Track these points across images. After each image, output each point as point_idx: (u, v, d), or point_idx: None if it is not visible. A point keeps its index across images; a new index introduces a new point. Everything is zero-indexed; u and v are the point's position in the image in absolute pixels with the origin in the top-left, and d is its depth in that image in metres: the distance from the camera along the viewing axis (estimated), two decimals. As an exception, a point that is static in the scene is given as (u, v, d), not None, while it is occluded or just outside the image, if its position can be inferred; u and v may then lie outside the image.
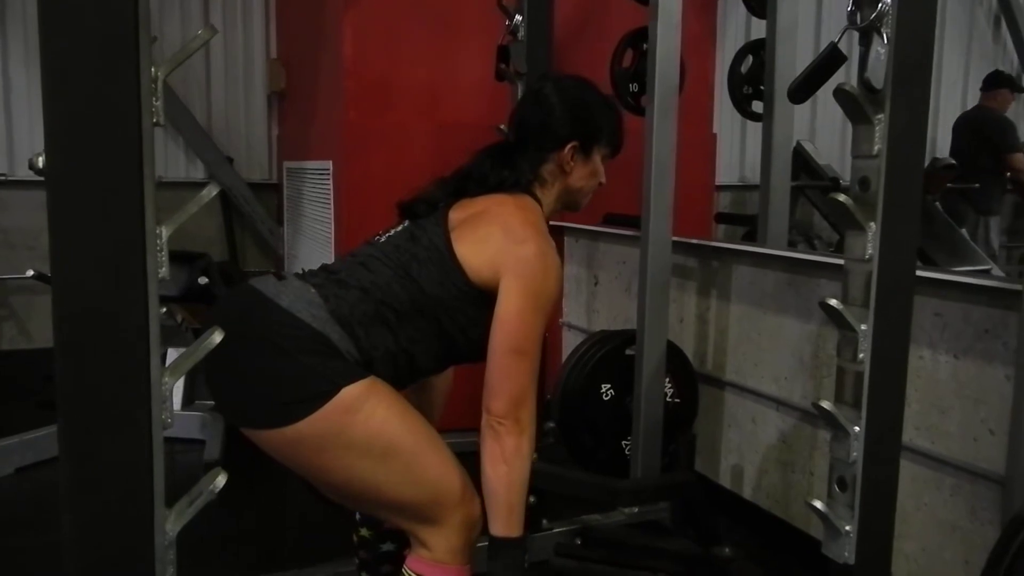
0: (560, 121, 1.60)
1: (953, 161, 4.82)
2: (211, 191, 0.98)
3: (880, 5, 1.08)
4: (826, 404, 1.21)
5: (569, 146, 1.60)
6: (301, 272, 1.49)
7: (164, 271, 0.93)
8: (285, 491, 2.70)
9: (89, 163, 0.87)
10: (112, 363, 0.87)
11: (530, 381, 1.41)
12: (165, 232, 0.93)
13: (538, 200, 1.60)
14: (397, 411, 1.38)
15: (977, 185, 4.86)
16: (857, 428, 1.21)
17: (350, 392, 1.33)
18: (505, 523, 1.38)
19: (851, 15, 1.12)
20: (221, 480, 0.85)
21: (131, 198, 0.88)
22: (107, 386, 0.88)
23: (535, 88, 1.67)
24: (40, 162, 0.88)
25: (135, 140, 0.87)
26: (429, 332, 1.46)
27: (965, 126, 5.05)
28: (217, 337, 0.94)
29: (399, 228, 1.55)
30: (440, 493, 1.40)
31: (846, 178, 4.82)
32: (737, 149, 5.25)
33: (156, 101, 0.88)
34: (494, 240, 1.46)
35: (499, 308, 1.42)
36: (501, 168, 1.59)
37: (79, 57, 0.85)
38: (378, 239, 1.54)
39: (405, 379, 1.48)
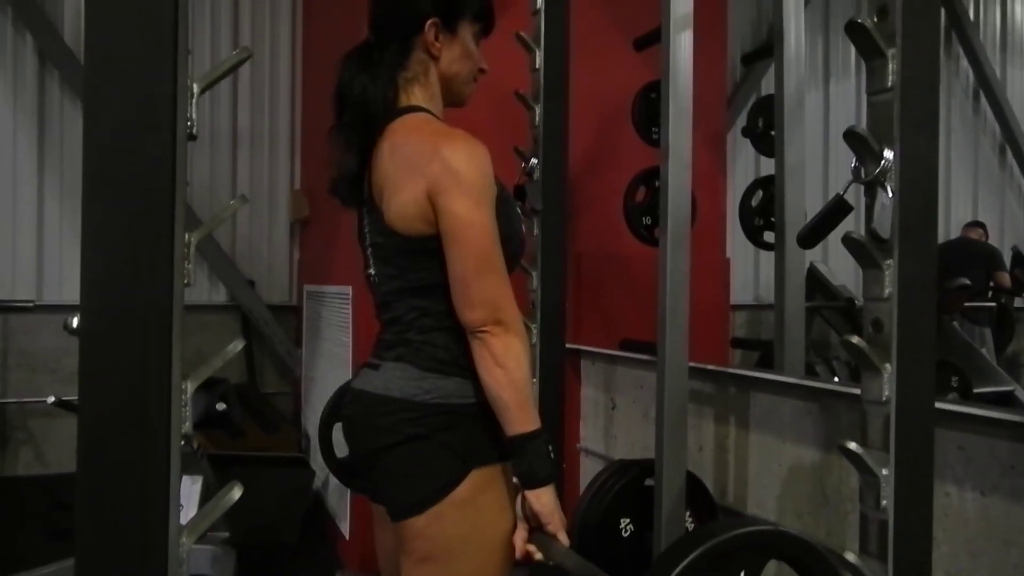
0: None
1: (967, 281, 4.84)
2: (236, 346, 1.01)
3: (883, 162, 1.12)
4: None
5: (428, 23, 1.43)
6: (378, 353, 1.48)
7: (188, 426, 0.95)
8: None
9: (121, 322, 0.90)
10: (130, 525, 0.88)
11: (501, 281, 1.33)
12: (191, 387, 0.96)
13: (423, 110, 1.46)
14: (507, 523, 1.40)
15: (995, 304, 4.92)
16: (885, 581, 1.17)
17: (480, 475, 1.36)
18: (519, 422, 1.32)
19: (855, 170, 1.16)
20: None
21: (159, 357, 0.91)
22: (124, 547, 0.88)
23: None
24: (74, 323, 0.92)
25: (166, 302, 0.90)
26: None
27: (954, 249, 5.72)
28: (237, 493, 0.95)
29: (368, 258, 1.50)
30: None
31: (861, 298, 4.85)
32: (751, 270, 5.31)
33: (188, 264, 0.92)
34: (416, 188, 1.35)
35: (441, 225, 1.33)
36: (362, 76, 1.44)
37: (115, 222, 0.90)
38: (373, 279, 1.50)
39: None
